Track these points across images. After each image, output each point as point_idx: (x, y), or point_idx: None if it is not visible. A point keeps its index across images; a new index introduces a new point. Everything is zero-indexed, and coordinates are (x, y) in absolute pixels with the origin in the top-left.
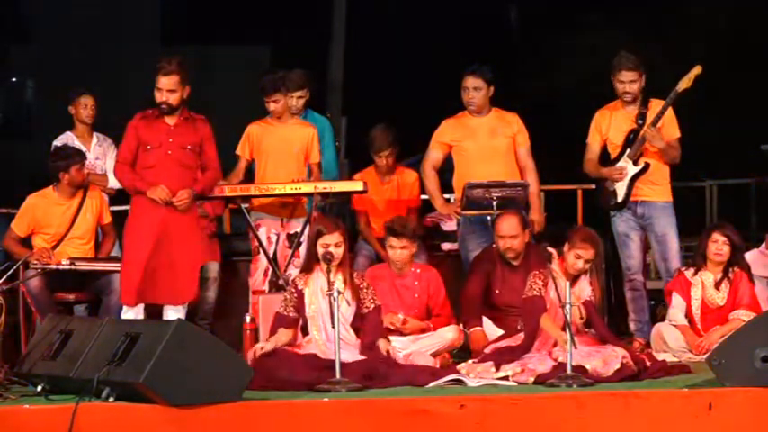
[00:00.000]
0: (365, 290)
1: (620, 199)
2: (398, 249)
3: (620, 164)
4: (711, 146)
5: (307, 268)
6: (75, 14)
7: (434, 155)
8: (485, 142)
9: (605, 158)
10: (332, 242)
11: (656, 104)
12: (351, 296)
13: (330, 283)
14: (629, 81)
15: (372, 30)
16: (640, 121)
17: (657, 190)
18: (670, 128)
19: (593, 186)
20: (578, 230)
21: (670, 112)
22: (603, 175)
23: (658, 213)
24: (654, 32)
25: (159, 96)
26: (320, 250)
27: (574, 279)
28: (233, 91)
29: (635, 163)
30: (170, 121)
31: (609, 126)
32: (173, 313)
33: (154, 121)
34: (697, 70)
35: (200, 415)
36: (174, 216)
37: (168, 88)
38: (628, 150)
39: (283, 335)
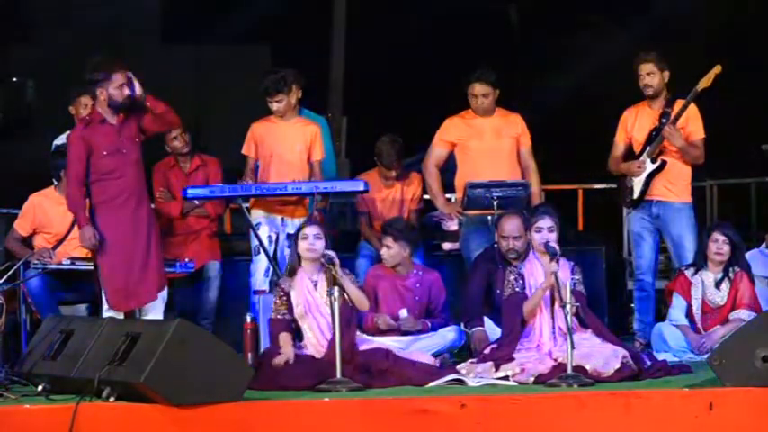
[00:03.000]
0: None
1: (635, 195)
2: (384, 247)
3: (640, 161)
4: (711, 146)
5: (290, 271)
6: (75, 14)
7: (438, 152)
8: (490, 142)
9: (631, 157)
10: (311, 233)
11: (680, 105)
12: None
13: (330, 284)
14: (646, 73)
15: (372, 29)
16: (663, 120)
17: (674, 190)
18: (694, 128)
19: (594, 186)
20: (533, 208)
21: (695, 112)
22: (623, 171)
23: (673, 214)
24: (654, 33)
25: (119, 95)
26: (301, 244)
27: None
28: (232, 91)
29: (653, 161)
30: (113, 120)
31: (634, 124)
32: (153, 310)
33: (99, 126)
34: (717, 69)
35: (200, 415)
36: (141, 217)
37: (123, 83)
38: (648, 148)
39: (288, 340)
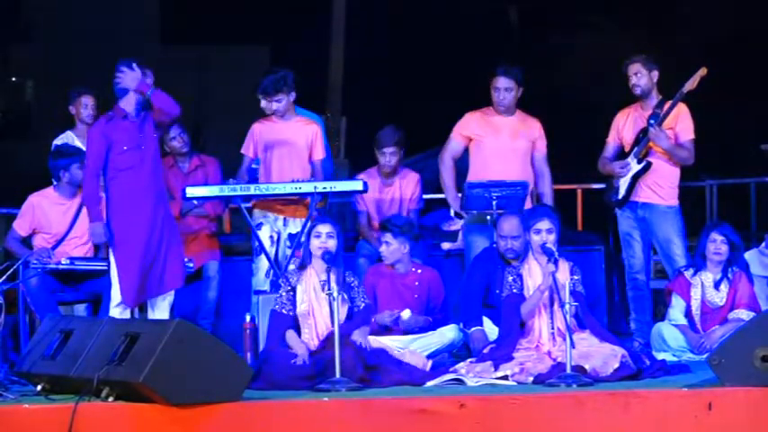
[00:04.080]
0: (356, 289)
1: (620, 196)
2: (383, 244)
3: (626, 161)
4: (712, 146)
5: (301, 265)
6: (75, 14)
7: (455, 145)
8: (506, 142)
9: (623, 158)
10: (324, 231)
11: (670, 105)
12: (343, 296)
13: (329, 283)
14: (633, 74)
15: (372, 30)
16: (652, 120)
17: (660, 192)
18: (683, 129)
19: (593, 186)
20: (531, 209)
21: (685, 112)
22: (608, 171)
23: (659, 218)
24: (654, 33)
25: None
26: (313, 242)
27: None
28: (232, 91)
29: (639, 161)
30: (135, 117)
31: (624, 125)
32: (159, 310)
33: (120, 122)
34: (702, 72)
35: (199, 415)
36: (157, 214)
37: (152, 82)
38: (635, 149)
39: (296, 337)
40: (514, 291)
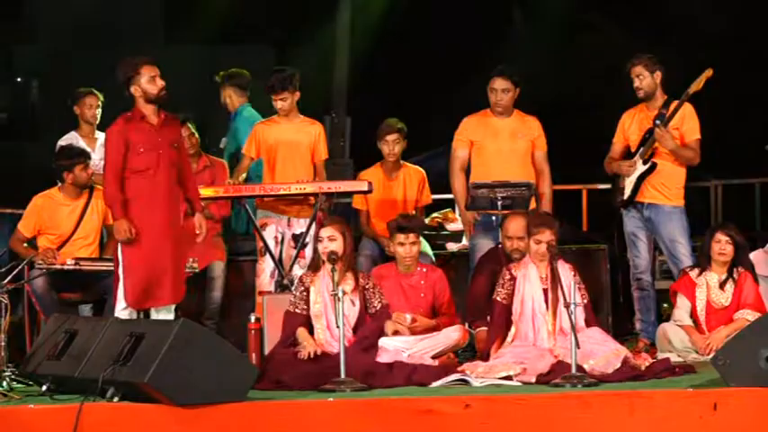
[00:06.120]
0: (371, 290)
1: (626, 196)
2: (407, 245)
3: (633, 160)
4: (716, 146)
5: (314, 267)
6: (77, 14)
7: (461, 153)
8: (505, 144)
9: (629, 159)
10: (325, 236)
11: (675, 106)
12: (357, 297)
13: (335, 283)
14: (636, 76)
15: (375, 30)
16: (657, 121)
17: (666, 192)
18: (689, 129)
19: (599, 186)
20: (533, 217)
21: (691, 112)
22: (615, 170)
23: (664, 218)
24: (656, 33)
25: (154, 88)
26: (319, 246)
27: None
28: None
29: (645, 162)
30: (154, 120)
31: (630, 126)
32: (164, 310)
33: (138, 123)
34: (708, 73)
35: (204, 415)
36: (171, 219)
37: (154, 74)
38: (641, 149)
39: (307, 334)
40: (505, 293)
